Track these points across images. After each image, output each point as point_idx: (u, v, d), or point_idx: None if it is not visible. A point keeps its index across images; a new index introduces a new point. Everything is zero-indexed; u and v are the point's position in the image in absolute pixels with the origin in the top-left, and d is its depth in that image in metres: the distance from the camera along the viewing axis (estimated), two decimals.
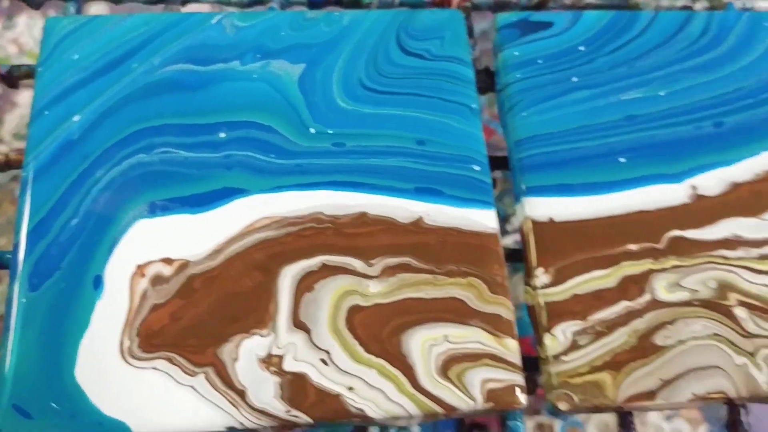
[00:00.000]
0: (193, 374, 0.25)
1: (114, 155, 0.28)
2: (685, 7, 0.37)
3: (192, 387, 0.25)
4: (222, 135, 0.28)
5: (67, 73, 0.29)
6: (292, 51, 0.30)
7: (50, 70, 0.29)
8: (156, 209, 0.27)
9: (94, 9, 0.34)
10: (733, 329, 0.28)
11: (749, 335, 0.27)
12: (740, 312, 0.28)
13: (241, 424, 0.24)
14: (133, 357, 0.25)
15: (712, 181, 0.30)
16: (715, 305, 0.28)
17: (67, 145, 0.28)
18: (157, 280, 0.26)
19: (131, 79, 0.29)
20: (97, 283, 0.26)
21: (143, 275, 0.26)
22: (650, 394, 0.26)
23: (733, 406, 0.29)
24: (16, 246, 0.26)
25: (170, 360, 0.25)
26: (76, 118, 0.28)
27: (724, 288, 0.28)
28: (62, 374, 0.24)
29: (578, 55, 0.32)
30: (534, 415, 0.54)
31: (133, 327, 0.25)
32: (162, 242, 0.27)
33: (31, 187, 0.27)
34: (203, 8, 0.32)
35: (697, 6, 0.37)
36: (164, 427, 0.24)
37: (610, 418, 0.53)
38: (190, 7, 0.34)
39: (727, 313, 0.28)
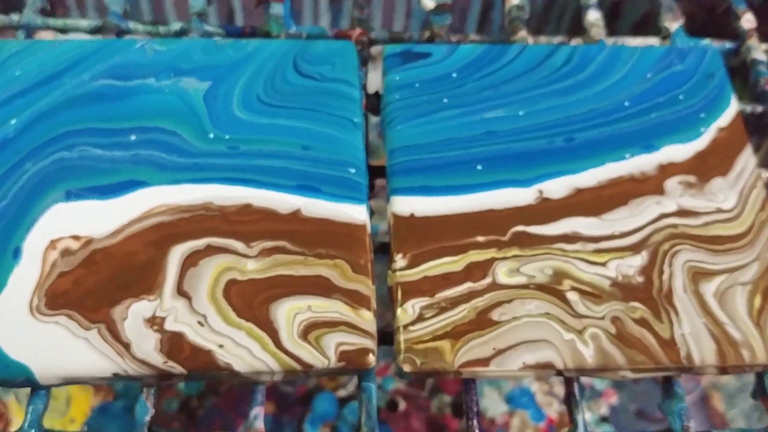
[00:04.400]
0: (87, 329, 0.29)
1: (41, 152, 0.33)
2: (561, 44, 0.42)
3: (86, 339, 0.29)
4: (133, 137, 0.33)
5: (10, 86, 0.34)
6: (202, 71, 0.35)
7: None
8: (71, 195, 0.32)
9: (42, 37, 0.40)
10: (564, 310, 0.31)
11: (579, 315, 0.31)
12: (572, 296, 0.31)
13: (125, 371, 0.29)
14: (40, 313, 0.29)
15: (558, 187, 0.34)
16: (550, 289, 0.31)
17: (3, 143, 0.33)
18: (66, 252, 0.31)
19: (62, 91, 0.34)
20: (16, 253, 0.30)
21: (55, 248, 0.31)
22: (484, 361, 0.30)
23: (568, 380, 0.33)
24: None
25: (70, 316, 0.29)
26: (13, 121, 0.33)
27: (560, 275, 0.32)
28: None
29: (451, 80, 0.36)
30: None
31: (42, 289, 0.30)
32: (73, 222, 0.31)
33: None
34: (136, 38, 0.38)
35: (573, 43, 0.41)
36: (60, 370, 0.29)
37: None
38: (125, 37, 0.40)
39: (560, 296, 0.31)
